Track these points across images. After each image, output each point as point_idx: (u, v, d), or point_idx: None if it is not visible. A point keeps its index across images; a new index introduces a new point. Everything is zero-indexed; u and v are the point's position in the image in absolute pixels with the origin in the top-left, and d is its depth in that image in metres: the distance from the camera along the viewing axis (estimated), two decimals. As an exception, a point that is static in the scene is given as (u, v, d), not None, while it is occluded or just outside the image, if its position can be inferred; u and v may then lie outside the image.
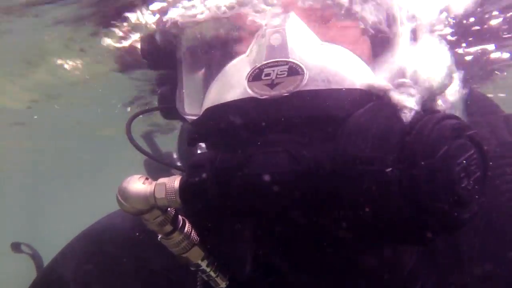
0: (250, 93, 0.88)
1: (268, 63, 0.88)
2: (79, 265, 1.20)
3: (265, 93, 0.86)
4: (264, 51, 0.89)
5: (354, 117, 0.81)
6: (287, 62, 0.87)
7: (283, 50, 0.88)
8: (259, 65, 0.88)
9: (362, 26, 1.03)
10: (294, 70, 0.87)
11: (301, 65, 0.87)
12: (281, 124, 0.85)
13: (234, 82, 0.93)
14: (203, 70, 1.12)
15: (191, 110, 1.06)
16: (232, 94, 0.91)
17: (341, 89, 0.87)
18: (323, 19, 1.02)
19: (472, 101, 1.17)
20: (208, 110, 0.95)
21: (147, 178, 0.89)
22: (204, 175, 0.84)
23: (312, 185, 0.79)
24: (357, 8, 1.02)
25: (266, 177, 0.80)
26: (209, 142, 0.98)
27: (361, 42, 1.04)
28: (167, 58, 1.10)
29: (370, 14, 1.03)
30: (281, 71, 0.86)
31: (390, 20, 1.00)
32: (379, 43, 1.01)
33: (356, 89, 0.88)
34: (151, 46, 1.12)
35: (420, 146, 0.73)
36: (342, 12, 1.02)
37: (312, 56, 0.90)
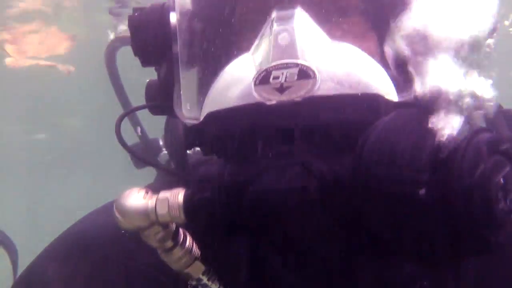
0: (258, 98, 0.80)
1: (276, 65, 0.80)
2: (60, 270, 1.13)
3: (274, 98, 0.79)
4: (271, 51, 0.81)
5: (376, 127, 0.74)
6: (297, 65, 0.79)
7: (292, 51, 0.81)
8: (266, 67, 0.81)
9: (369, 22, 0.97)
10: (305, 73, 0.79)
11: (312, 67, 0.79)
12: (293, 132, 0.78)
13: (238, 84, 0.85)
14: (201, 66, 1.04)
15: (190, 112, 0.98)
16: (237, 97, 0.84)
17: (358, 94, 0.80)
18: (328, 15, 0.95)
19: None
20: (211, 115, 0.87)
21: (147, 192, 0.83)
22: (211, 191, 0.78)
23: (330, 204, 0.73)
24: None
25: (279, 194, 0.73)
26: (211, 149, 0.91)
27: (368, 39, 0.97)
28: (162, 52, 1.00)
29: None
30: (290, 74, 0.79)
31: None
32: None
33: (374, 94, 0.81)
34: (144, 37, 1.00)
35: (456, 166, 0.67)
36: (349, 6, 0.96)
37: (323, 57, 0.82)
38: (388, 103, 0.81)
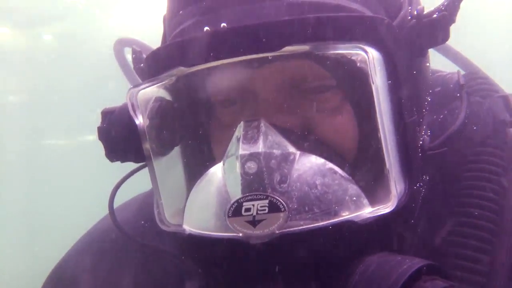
0: (232, 229, 0.86)
1: (246, 196, 0.84)
2: (85, 264, 1.24)
3: (248, 232, 0.85)
4: (239, 181, 0.85)
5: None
6: (266, 196, 0.83)
7: (260, 182, 0.84)
8: (237, 199, 0.85)
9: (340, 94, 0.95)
10: (275, 206, 0.83)
11: (281, 201, 0.83)
12: (269, 272, 0.87)
13: (214, 208, 0.91)
14: (178, 165, 1.10)
15: (172, 219, 1.03)
16: (214, 224, 0.91)
17: (328, 226, 0.84)
18: (295, 97, 0.95)
19: (473, 80, 1.15)
20: (192, 239, 0.94)
21: None
22: None
23: None
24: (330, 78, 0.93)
25: None
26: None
27: (342, 111, 0.96)
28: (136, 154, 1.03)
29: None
30: (261, 207, 0.84)
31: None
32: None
33: (344, 223, 0.85)
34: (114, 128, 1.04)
35: None
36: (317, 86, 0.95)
37: (292, 184, 0.85)
38: (360, 228, 0.86)
